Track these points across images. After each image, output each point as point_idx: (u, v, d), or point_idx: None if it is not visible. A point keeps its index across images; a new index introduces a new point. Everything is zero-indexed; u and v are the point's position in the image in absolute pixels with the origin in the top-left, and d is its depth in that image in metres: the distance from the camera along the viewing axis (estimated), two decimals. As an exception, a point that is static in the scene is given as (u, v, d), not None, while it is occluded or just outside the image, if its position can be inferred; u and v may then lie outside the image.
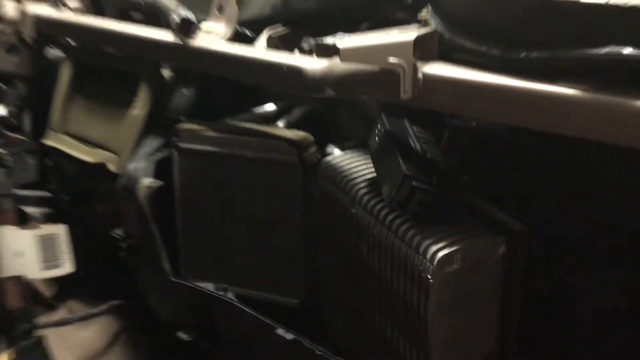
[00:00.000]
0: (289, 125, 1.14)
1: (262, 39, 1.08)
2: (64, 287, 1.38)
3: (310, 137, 1.01)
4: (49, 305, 1.37)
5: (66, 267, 0.93)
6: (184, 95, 1.20)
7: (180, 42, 1.07)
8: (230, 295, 1.03)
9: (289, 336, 0.94)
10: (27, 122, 1.44)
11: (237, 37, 1.14)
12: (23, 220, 1.33)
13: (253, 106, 1.17)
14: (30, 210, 1.34)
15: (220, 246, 1.11)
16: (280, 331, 0.95)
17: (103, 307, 1.24)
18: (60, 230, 0.94)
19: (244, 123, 1.11)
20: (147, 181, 1.05)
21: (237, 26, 1.15)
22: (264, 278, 1.07)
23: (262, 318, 0.97)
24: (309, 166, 1.00)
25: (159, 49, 1.12)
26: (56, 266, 0.92)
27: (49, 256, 0.91)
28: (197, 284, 1.06)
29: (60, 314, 1.30)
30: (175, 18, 1.09)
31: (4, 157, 0.93)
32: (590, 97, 0.55)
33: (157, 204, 1.07)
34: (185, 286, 1.06)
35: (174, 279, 1.07)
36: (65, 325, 1.24)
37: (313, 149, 1.01)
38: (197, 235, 1.11)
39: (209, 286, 1.05)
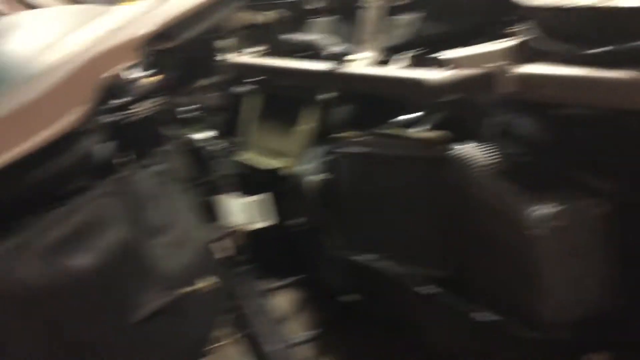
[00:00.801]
0: (428, 129, 1.40)
1: (398, 60, 1.37)
2: (263, 267, 1.75)
3: (444, 136, 1.26)
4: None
5: (270, 220, 1.30)
6: (343, 111, 1.52)
7: (334, 70, 1.39)
8: (381, 265, 1.30)
9: (425, 290, 1.19)
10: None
11: (380, 62, 1.44)
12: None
13: (398, 116, 1.45)
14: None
15: (375, 227, 1.39)
16: (418, 288, 1.21)
17: (289, 280, 1.58)
18: (265, 197, 1.31)
19: (390, 129, 1.39)
20: (315, 177, 1.37)
21: (380, 53, 1.45)
22: (409, 253, 1.32)
23: (406, 279, 1.23)
24: (445, 159, 1.24)
25: (318, 77, 1.45)
26: (264, 220, 1.29)
27: (258, 213, 1.28)
28: (357, 256, 1.35)
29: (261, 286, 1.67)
30: (329, 51, 1.42)
31: (221, 153, 1.33)
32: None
33: (324, 195, 1.39)
34: (347, 258, 1.37)
35: (339, 253, 1.38)
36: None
37: (444, 146, 1.25)
38: (357, 219, 1.41)
39: (365, 258, 1.34)
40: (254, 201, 1.29)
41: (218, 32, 1.13)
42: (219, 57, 1.14)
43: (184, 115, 1.83)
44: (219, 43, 1.16)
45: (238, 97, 1.75)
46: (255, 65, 1.66)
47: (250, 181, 1.69)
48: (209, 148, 1.34)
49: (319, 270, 1.51)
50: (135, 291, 0.89)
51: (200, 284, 0.97)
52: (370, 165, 1.37)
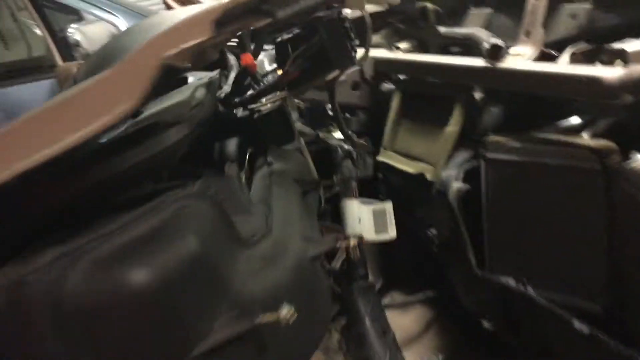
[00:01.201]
0: (593, 136, 1.18)
1: (565, 56, 1.17)
2: (389, 279, 1.64)
3: (612, 145, 1.05)
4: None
5: (391, 234, 1.17)
6: (493, 112, 1.35)
7: (490, 66, 1.23)
8: (529, 290, 1.12)
9: (586, 330, 0.99)
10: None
11: (542, 57, 1.25)
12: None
13: (557, 120, 1.25)
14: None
15: (523, 246, 1.21)
16: (577, 324, 1.01)
17: (419, 296, 1.45)
18: (387, 207, 1.18)
19: (547, 134, 1.21)
20: (457, 185, 1.22)
21: (543, 47, 1.26)
22: (564, 279, 1.13)
23: (559, 311, 1.04)
24: (612, 172, 1.04)
25: (471, 74, 1.30)
26: (384, 232, 1.16)
27: (379, 224, 1.16)
28: (500, 278, 1.18)
29: (384, 301, 1.56)
30: (486, 45, 1.26)
31: (352, 153, 1.23)
32: None
33: (466, 206, 1.23)
34: (489, 279, 1.20)
35: (479, 273, 1.22)
36: (389, 310, 1.49)
37: (616, 156, 1.04)
38: (502, 235, 1.24)
39: (510, 281, 1.16)
40: (378, 209, 1.17)
41: (344, 20, 1.01)
42: (354, 50, 1.03)
43: (316, 112, 1.79)
44: (354, 33, 1.05)
45: (383, 95, 1.65)
46: (402, 60, 1.54)
47: (387, 185, 1.59)
48: (339, 148, 1.25)
49: (454, 289, 1.35)
50: (202, 316, 0.72)
51: (287, 311, 0.76)
52: (524, 175, 1.19)
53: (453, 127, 1.35)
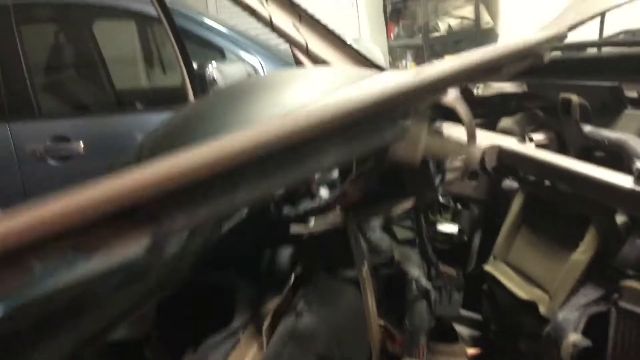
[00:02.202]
0: None
1: None
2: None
3: None
4: None
5: None
6: (637, 245, 1.06)
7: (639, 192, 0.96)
8: None
9: None
10: (475, 243, 1.54)
11: None
12: (453, 337, 1.40)
13: None
14: (460, 329, 1.41)
15: None
16: None
17: None
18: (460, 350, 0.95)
19: None
20: (574, 337, 0.95)
21: None
22: None
23: None
24: None
25: (615, 193, 1.03)
26: None
27: None
28: None
29: None
30: (638, 164, 0.99)
31: (430, 295, 1.01)
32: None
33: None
34: None
35: None
36: None
37: None
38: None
39: None
40: None
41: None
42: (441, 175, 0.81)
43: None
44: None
45: (504, 193, 1.40)
46: (531, 157, 1.29)
47: (491, 301, 1.33)
48: (415, 283, 1.03)
49: None
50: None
51: None
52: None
53: (583, 254, 1.08)
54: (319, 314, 0.80)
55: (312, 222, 0.80)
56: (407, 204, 0.80)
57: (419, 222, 1.00)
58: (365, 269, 0.87)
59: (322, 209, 0.76)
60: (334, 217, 0.77)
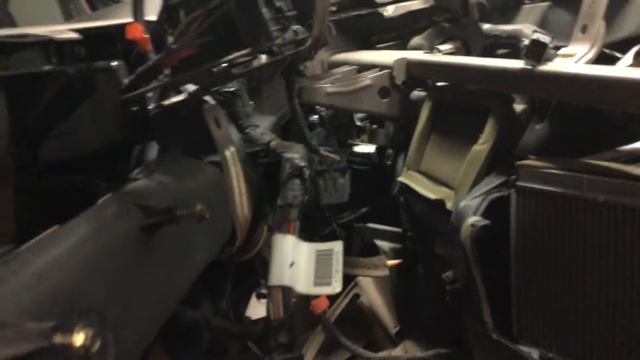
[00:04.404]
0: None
1: (629, 58, 0.87)
2: (407, 326, 1.37)
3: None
4: (392, 341, 1.38)
5: (336, 287, 0.90)
6: (536, 130, 1.06)
7: (529, 68, 0.95)
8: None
9: None
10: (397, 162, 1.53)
11: (601, 59, 0.95)
12: (373, 252, 1.39)
13: (617, 143, 0.95)
14: (380, 243, 1.40)
15: (562, 309, 0.91)
16: None
17: (430, 353, 1.17)
18: (337, 247, 0.92)
19: (601, 162, 0.90)
20: (472, 219, 0.94)
21: (602, 48, 0.96)
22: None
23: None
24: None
25: (506, 77, 1.02)
26: (326, 284, 0.89)
27: (321, 272, 0.90)
28: (522, 347, 0.89)
29: (396, 351, 1.29)
30: (526, 42, 0.98)
31: (304, 171, 0.98)
32: None
33: (482, 246, 0.95)
34: (507, 347, 0.90)
35: (493, 336, 0.93)
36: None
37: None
38: (534, 291, 0.94)
39: (534, 353, 0.87)
40: (322, 251, 0.90)
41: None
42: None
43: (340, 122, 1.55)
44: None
45: (414, 104, 1.38)
46: (435, 63, 1.28)
47: (408, 212, 1.32)
48: (289, 163, 0.99)
49: (471, 349, 1.06)
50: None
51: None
52: (566, 213, 0.89)
53: (482, 144, 1.07)
54: (161, 176, 0.74)
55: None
56: (244, 54, 0.75)
57: (291, 93, 0.96)
58: (232, 151, 0.82)
59: (151, 70, 0.70)
60: (159, 83, 0.71)
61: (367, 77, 1.42)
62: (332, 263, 0.91)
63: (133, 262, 0.56)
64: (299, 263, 0.88)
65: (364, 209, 1.55)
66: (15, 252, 0.48)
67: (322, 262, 0.91)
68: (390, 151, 1.56)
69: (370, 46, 1.75)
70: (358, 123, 1.58)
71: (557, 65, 0.93)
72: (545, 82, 0.94)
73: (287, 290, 0.86)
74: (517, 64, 0.99)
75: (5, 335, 0.37)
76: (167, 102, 0.70)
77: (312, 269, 0.89)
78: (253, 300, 1.35)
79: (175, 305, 0.71)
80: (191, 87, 0.75)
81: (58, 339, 0.36)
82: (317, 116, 1.54)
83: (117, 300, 0.51)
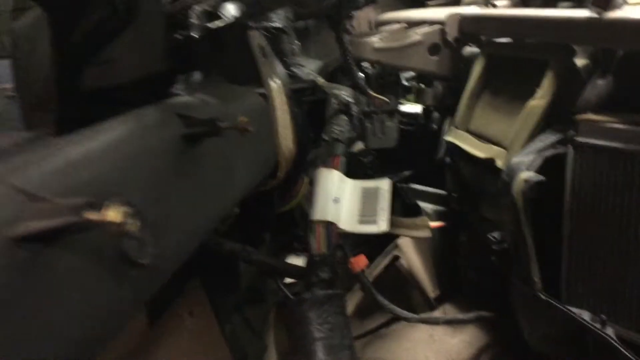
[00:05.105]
0: None
1: None
2: (448, 290, 1.34)
3: None
4: (431, 305, 1.35)
5: (382, 225, 0.86)
6: (598, 86, 0.99)
7: (595, 16, 0.89)
8: (609, 330, 0.77)
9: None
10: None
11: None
12: (415, 214, 1.35)
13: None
14: (423, 204, 1.36)
15: (614, 270, 0.86)
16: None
17: (471, 315, 1.13)
18: (383, 186, 0.88)
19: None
20: (525, 175, 0.89)
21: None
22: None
23: None
24: None
25: (571, 28, 0.96)
26: (372, 222, 0.86)
27: (367, 210, 0.86)
28: (571, 308, 0.84)
29: (435, 314, 1.26)
30: (594, -11, 0.91)
31: (351, 106, 0.93)
32: None
33: (536, 203, 0.90)
34: (555, 307, 0.86)
35: (543, 297, 0.88)
36: (435, 326, 1.19)
37: None
38: (587, 251, 0.89)
39: (584, 314, 0.82)
40: (368, 188, 0.86)
41: None
42: None
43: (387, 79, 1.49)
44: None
45: (465, 61, 1.33)
46: (489, 17, 1.21)
47: (454, 172, 1.27)
48: (335, 99, 0.95)
49: (515, 312, 1.02)
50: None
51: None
52: (631, 172, 0.83)
53: (539, 100, 1.01)
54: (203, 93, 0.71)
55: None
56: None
57: (341, 41, 0.92)
58: (277, 83, 0.79)
59: None
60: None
61: (417, 33, 1.36)
62: (378, 201, 0.88)
63: (173, 170, 0.54)
64: (343, 199, 0.85)
65: (407, 172, 1.51)
66: (52, 139, 0.46)
67: (368, 200, 0.87)
68: (436, 114, 1.51)
69: (420, 5, 1.69)
70: (405, 83, 1.53)
71: (628, 12, 0.86)
72: (613, 30, 0.88)
73: (330, 226, 0.83)
74: (582, 13, 0.92)
75: (38, 207, 0.35)
76: (211, 26, 0.68)
77: (357, 206, 0.86)
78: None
79: (215, 223, 0.69)
80: (234, 13, 0.72)
81: (90, 214, 0.34)
82: (362, 74, 1.50)
83: (156, 205, 0.49)
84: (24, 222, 0.34)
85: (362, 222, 0.86)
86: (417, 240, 1.33)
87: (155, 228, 0.47)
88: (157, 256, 0.45)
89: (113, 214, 0.35)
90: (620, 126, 0.84)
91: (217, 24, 0.67)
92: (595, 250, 0.87)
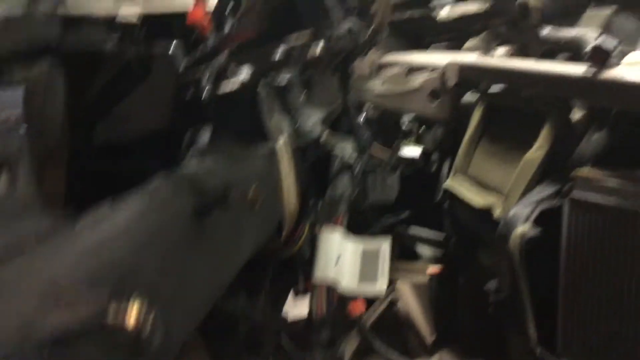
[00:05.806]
0: None
1: None
2: (444, 336, 1.33)
3: None
4: (427, 350, 1.34)
5: (381, 285, 0.87)
6: (594, 140, 1.01)
7: (590, 74, 0.91)
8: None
9: None
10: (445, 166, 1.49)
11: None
12: (412, 258, 1.36)
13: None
14: (422, 249, 1.37)
15: (613, 328, 0.86)
16: None
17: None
18: (383, 247, 0.89)
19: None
20: (522, 229, 0.90)
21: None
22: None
23: None
24: None
25: (567, 83, 0.98)
26: (371, 282, 0.86)
27: (366, 270, 0.87)
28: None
29: (432, 360, 1.26)
30: (590, 49, 0.93)
31: (355, 166, 0.95)
32: None
33: (532, 256, 0.91)
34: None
35: (537, 351, 0.89)
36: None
37: None
38: (582, 306, 0.90)
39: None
40: (368, 249, 0.87)
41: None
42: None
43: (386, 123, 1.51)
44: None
45: (465, 108, 1.35)
46: (488, 67, 1.24)
47: (452, 218, 1.28)
48: (340, 158, 0.97)
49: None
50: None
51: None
52: (621, 227, 0.84)
53: (536, 152, 1.03)
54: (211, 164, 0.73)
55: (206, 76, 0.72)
56: (305, 35, 0.72)
57: (345, 91, 0.94)
58: (284, 139, 0.81)
59: (210, 53, 0.70)
60: (214, 67, 0.70)
61: (418, 79, 1.39)
62: (378, 262, 0.89)
63: (184, 244, 0.55)
64: (344, 258, 0.86)
65: (405, 213, 1.52)
66: (71, 226, 0.48)
67: (368, 261, 0.89)
68: (435, 156, 1.53)
69: (421, 48, 1.72)
70: (404, 127, 1.55)
71: (622, 72, 0.89)
72: (608, 89, 0.90)
73: (331, 287, 0.84)
74: (578, 69, 0.95)
75: (65, 297, 0.37)
76: (222, 89, 0.70)
77: (357, 266, 0.87)
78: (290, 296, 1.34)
79: (221, 292, 0.70)
80: (245, 75, 0.74)
81: (113, 306, 0.36)
82: (362, 117, 1.52)
83: (168, 280, 0.50)
84: (51, 320, 0.36)
85: (362, 281, 0.87)
86: (415, 284, 1.33)
87: (166, 305, 0.48)
88: (166, 333, 0.46)
89: (133, 319, 0.36)
90: (615, 184, 0.85)
91: (227, 88, 0.69)
92: (590, 305, 0.88)
